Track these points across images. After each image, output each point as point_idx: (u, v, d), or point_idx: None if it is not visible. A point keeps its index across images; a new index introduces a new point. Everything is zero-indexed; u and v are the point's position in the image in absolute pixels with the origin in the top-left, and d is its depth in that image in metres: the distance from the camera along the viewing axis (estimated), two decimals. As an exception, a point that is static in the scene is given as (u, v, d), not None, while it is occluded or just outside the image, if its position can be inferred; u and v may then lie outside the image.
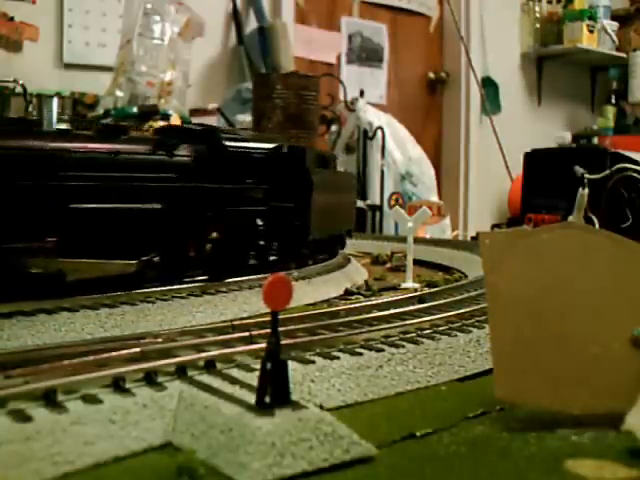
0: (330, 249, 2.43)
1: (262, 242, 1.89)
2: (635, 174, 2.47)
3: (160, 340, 1.17)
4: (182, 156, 1.72)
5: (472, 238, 4.28)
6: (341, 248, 2.56)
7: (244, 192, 1.86)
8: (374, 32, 6.09)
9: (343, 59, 5.92)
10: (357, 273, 2.33)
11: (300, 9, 5.54)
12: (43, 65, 4.19)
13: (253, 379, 0.90)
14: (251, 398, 0.85)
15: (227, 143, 1.83)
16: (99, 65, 4.29)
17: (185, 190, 1.70)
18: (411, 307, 1.50)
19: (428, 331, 1.31)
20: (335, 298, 1.96)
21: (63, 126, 1.81)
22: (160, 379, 0.97)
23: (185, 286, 1.69)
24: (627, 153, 2.63)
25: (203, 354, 1.07)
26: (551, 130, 6.66)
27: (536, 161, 2.87)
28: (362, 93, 5.03)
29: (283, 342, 0.87)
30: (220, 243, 1.77)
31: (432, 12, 6.44)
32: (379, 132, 4.87)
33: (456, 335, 1.31)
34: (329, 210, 2.28)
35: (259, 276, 1.85)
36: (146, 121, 3.45)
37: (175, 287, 1.67)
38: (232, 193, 1.82)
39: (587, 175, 2.41)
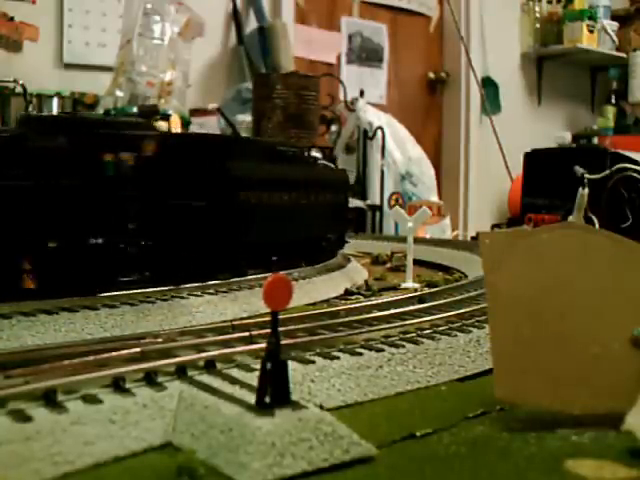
0: (304, 256, 2.13)
1: (135, 249, 1.60)
2: (635, 174, 2.46)
3: (160, 340, 1.17)
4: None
5: (472, 238, 4.28)
6: (324, 255, 2.27)
7: (102, 189, 1.54)
8: (374, 32, 6.09)
9: (343, 59, 5.92)
10: (357, 273, 2.33)
11: (300, 9, 5.54)
12: (43, 65, 4.19)
13: (253, 379, 0.90)
14: (251, 398, 0.85)
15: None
16: (99, 65, 4.29)
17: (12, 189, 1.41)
18: (411, 307, 1.50)
19: (428, 331, 1.31)
20: (335, 298, 1.96)
21: None
22: (160, 379, 0.97)
23: (184, 286, 1.69)
24: (627, 153, 2.62)
25: (203, 354, 1.07)
26: (551, 130, 6.66)
27: (536, 161, 2.87)
28: (362, 93, 5.03)
29: (283, 342, 0.87)
30: (66, 251, 1.49)
31: (432, 12, 6.44)
32: (379, 132, 4.87)
33: (456, 335, 1.31)
34: (288, 212, 1.98)
35: (259, 276, 1.85)
36: (146, 121, 3.44)
37: (174, 287, 1.67)
38: (85, 190, 1.50)
39: (587, 175, 2.41)
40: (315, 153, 3.24)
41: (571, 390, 0.96)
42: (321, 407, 0.90)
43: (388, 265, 2.70)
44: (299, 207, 2.07)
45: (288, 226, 2.02)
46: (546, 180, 2.75)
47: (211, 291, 1.72)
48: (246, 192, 1.79)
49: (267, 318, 0.88)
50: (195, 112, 4.30)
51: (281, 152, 2.09)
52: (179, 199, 1.68)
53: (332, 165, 2.94)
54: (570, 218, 2.41)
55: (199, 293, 1.68)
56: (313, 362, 1.09)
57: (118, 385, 0.93)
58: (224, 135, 1.96)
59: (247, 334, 1.19)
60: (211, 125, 4.21)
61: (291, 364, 0.95)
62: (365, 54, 6.06)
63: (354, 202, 4.55)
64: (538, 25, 6.73)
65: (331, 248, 2.37)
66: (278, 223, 1.97)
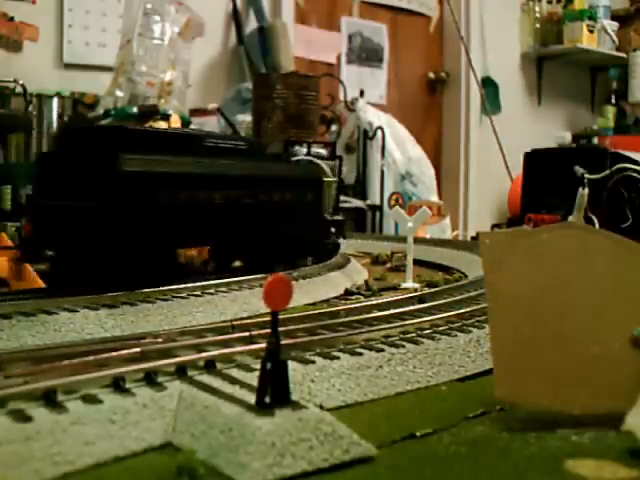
0: (262, 263, 1.93)
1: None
2: (635, 174, 2.46)
3: (160, 340, 1.17)
4: None
5: (472, 238, 4.28)
6: (294, 262, 2.07)
7: None
8: (374, 32, 6.09)
9: (343, 59, 5.92)
10: (357, 273, 2.33)
11: (300, 9, 5.54)
12: (43, 65, 4.19)
13: (253, 379, 0.90)
14: (251, 398, 0.85)
15: None
16: (99, 65, 4.29)
17: None
18: (411, 307, 1.50)
19: (428, 331, 1.31)
20: (335, 298, 1.96)
21: None
22: (160, 379, 0.97)
23: (184, 286, 1.69)
24: (627, 153, 2.62)
25: (203, 354, 1.08)
26: (551, 130, 6.66)
27: (536, 161, 2.87)
28: (362, 93, 5.03)
29: (283, 342, 0.87)
30: None
31: (432, 12, 6.44)
32: (379, 132, 4.87)
33: (456, 335, 1.31)
34: (224, 213, 1.76)
35: (259, 276, 1.85)
36: (146, 121, 3.45)
37: (175, 287, 1.67)
38: None
39: (587, 175, 2.41)
40: (320, 150, 3.23)
41: (571, 390, 0.96)
42: (321, 407, 0.90)
43: (388, 265, 2.70)
44: (240, 208, 1.82)
45: (227, 230, 1.80)
46: (546, 180, 2.75)
47: (211, 291, 1.72)
48: (147, 191, 1.55)
49: (267, 318, 0.88)
50: (195, 112, 4.30)
51: (210, 145, 1.83)
52: (64, 200, 1.51)
53: (316, 160, 2.79)
54: (570, 218, 2.40)
55: (199, 293, 1.68)
56: (313, 362, 1.09)
57: (118, 385, 0.93)
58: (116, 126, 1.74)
59: (247, 334, 1.19)
60: (211, 125, 4.21)
61: (291, 364, 0.95)
62: (365, 54, 6.06)
63: (355, 202, 4.57)
64: (538, 25, 6.72)
65: (303, 254, 2.18)
66: (208, 226, 1.74)
